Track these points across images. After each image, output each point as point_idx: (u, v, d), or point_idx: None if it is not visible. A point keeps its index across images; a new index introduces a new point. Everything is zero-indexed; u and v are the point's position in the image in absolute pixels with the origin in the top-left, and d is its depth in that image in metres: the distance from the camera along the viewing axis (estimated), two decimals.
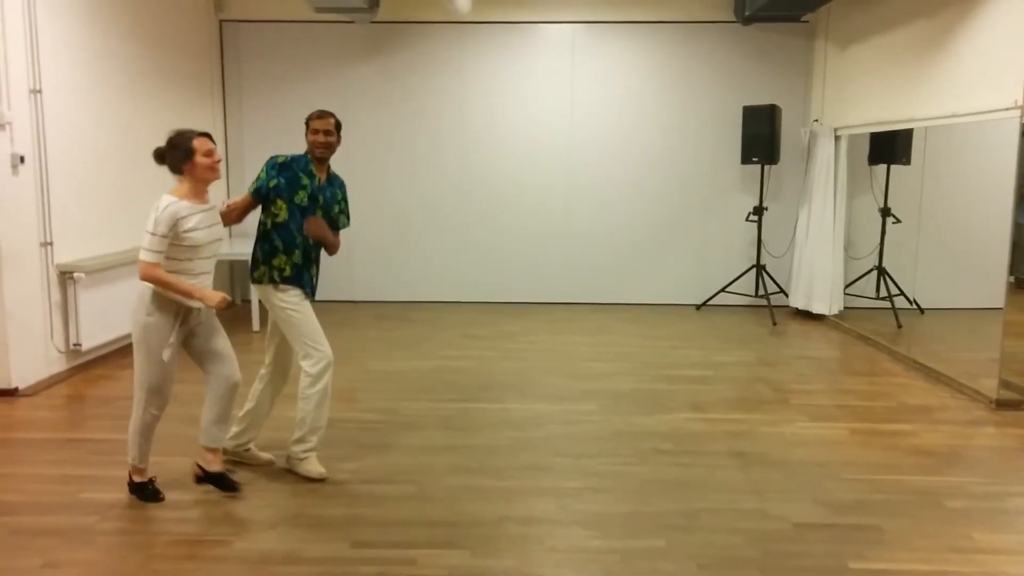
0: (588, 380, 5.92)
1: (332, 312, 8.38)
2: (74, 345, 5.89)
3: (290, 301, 4.02)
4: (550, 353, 6.73)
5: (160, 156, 3.67)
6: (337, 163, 8.66)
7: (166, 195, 3.58)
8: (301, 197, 4.00)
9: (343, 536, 3.48)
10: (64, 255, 5.86)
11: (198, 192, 3.66)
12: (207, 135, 3.66)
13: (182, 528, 3.53)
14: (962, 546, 3.44)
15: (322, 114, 4.00)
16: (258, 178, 4.02)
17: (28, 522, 3.57)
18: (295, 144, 8.69)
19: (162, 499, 3.82)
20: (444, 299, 8.99)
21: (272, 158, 4.03)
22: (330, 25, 8.59)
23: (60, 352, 5.82)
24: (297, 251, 4.02)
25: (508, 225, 8.91)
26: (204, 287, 3.67)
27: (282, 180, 3.99)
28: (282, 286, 4.03)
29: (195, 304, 3.69)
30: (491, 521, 3.64)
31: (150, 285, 3.60)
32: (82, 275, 5.80)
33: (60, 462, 4.26)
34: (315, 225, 3.94)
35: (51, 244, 5.70)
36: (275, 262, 4.01)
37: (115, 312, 6.29)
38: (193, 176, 3.62)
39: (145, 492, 3.82)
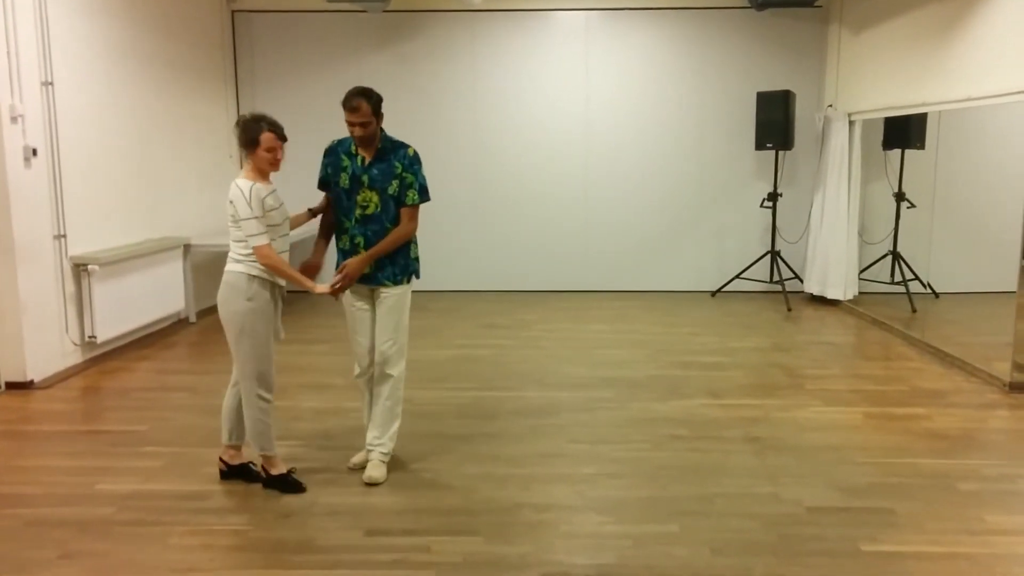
0: (604, 367, 5.92)
1: None
2: (89, 337, 5.93)
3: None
4: (567, 341, 6.73)
5: (238, 125, 3.69)
6: None
7: (240, 180, 3.60)
8: (343, 180, 3.87)
9: (358, 524, 3.49)
10: (78, 247, 5.90)
11: (262, 175, 3.68)
12: (276, 131, 3.64)
13: (198, 518, 3.56)
14: (974, 528, 3.43)
15: (353, 105, 3.71)
16: None
17: (44, 513, 3.61)
18: (310, 134, 8.69)
19: (304, 489, 3.82)
20: (462, 288, 8.99)
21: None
22: (342, 14, 8.58)
23: (75, 344, 5.86)
24: (344, 236, 3.93)
25: (525, 213, 8.90)
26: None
27: (329, 167, 3.95)
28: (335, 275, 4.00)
29: (281, 282, 3.80)
30: (506, 508, 3.65)
31: (244, 270, 3.64)
32: (96, 267, 5.83)
33: (76, 454, 4.30)
34: (348, 272, 3.78)
35: (64, 236, 5.74)
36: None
37: (130, 304, 6.34)
38: (252, 161, 3.66)
39: (287, 483, 3.82)
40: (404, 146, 3.90)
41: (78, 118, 5.94)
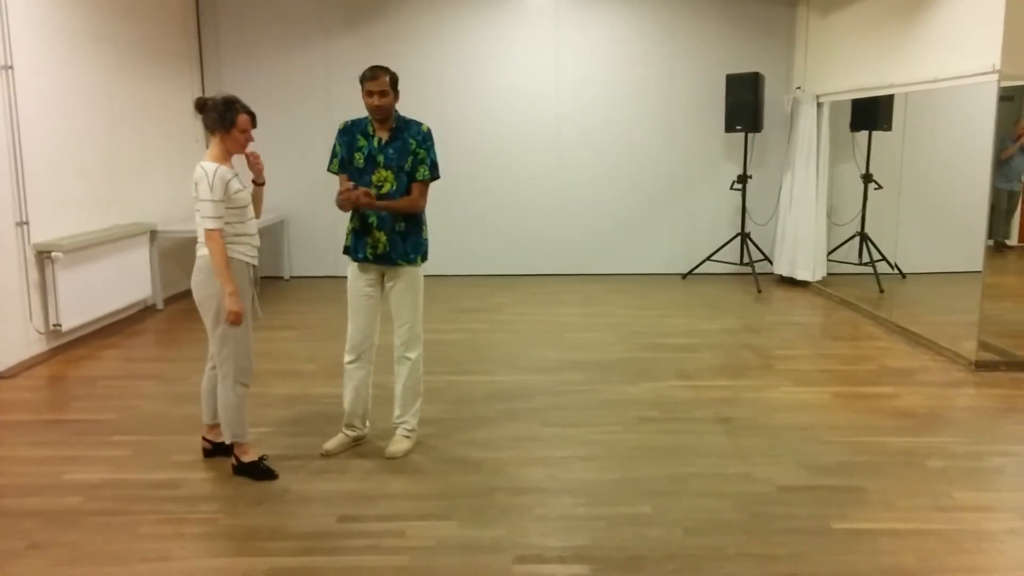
0: (576, 350, 5.93)
1: (322, 287, 8.35)
2: (54, 326, 5.83)
3: (348, 277, 4.03)
4: (538, 324, 6.73)
5: (202, 106, 3.64)
6: (320, 133, 8.58)
7: (205, 162, 3.57)
8: (358, 159, 3.87)
9: (330, 511, 3.47)
10: (41, 234, 5.79)
11: (227, 157, 3.67)
12: (252, 115, 3.68)
13: (168, 507, 3.52)
14: (943, 504, 3.48)
15: (374, 73, 3.74)
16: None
17: (11, 504, 3.55)
18: (276, 117, 8.59)
19: (276, 477, 3.80)
20: (432, 272, 8.94)
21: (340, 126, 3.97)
22: None
23: (40, 333, 5.77)
24: (355, 216, 3.92)
25: (495, 197, 8.87)
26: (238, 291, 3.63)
27: (343, 146, 3.93)
28: (349, 259, 4.00)
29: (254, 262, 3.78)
30: (480, 492, 3.65)
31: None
32: (60, 254, 5.73)
33: (42, 443, 4.24)
34: (362, 197, 3.72)
35: (27, 223, 5.63)
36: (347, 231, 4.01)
37: (96, 291, 6.24)
38: (223, 143, 3.63)
39: (258, 471, 3.80)
40: (418, 123, 3.94)
41: (39, 102, 5.81)
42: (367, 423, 4.21)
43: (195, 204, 3.63)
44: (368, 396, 4.16)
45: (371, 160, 3.87)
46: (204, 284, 3.65)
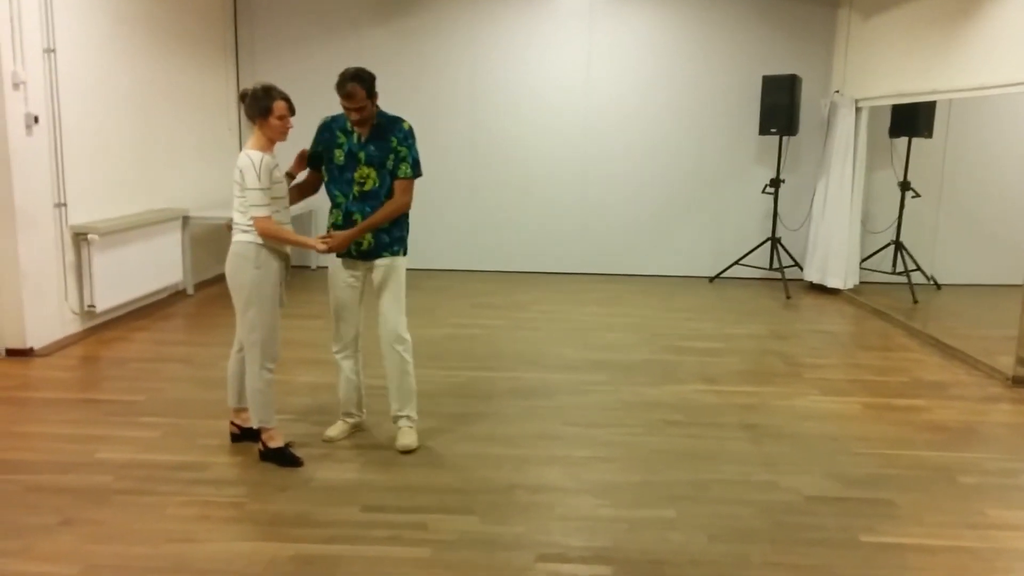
0: (599, 350, 5.91)
1: None
2: (88, 306, 5.91)
3: (329, 269, 4.05)
4: (561, 323, 6.71)
5: (243, 96, 3.71)
6: None
7: (250, 151, 3.63)
8: (338, 156, 3.87)
9: (354, 500, 3.49)
10: (78, 216, 5.86)
11: (269, 145, 3.71)
12: (288, 101, 3.70)
13: (195, 489, 3.56)
14: (975, 522, 3.43)
15: (346, 94, 3.66)
16: None
17: (45, 480, 3.61)
18: (308, 107, 8.63)
19: (301, 464, 3.83)
20: (455, 267, 8.96)
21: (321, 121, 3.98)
22: None
23: (74, 313, 5.84)
24: (336, 211, 3.94)
25: (522, 194, 8.86)
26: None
27: (321, 143, 3.93)
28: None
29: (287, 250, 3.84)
30: (501, 488, 3.65)
31: (252, 240, 3.67)
32: (96, 236, 5.80)
33: (75, 422, 4.30)
34: (333, 244, 3.80)
35: (65, 205, 5.70)
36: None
37: (129, 274, 6.31)
38: (263, 131, 3.68)
39: (284, 457, 3.84)
40: (399, 120, 3.91)
41: (80, 86, 5.88)
42: (363, 409, 4.27)
43: (235, 191, 3.67)
44: (361, 384, 4.20)
45: (352, 157, 3.86)
46: (238, 269, 3.70)
